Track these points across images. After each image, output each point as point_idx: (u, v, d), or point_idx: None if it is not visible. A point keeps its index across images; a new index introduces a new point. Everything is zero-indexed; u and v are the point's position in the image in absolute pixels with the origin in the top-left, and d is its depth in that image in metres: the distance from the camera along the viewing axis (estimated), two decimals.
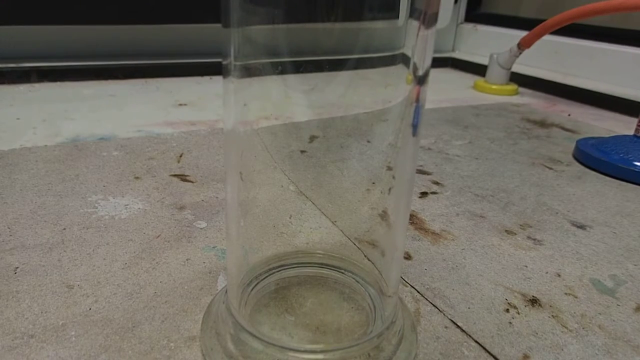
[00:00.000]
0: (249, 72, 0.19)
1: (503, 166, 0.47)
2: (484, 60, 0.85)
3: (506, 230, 0.34)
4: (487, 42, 1.00)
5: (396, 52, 0.18)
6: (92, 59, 0.75)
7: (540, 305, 0.26)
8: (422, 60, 0.18)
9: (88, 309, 0.24)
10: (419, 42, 0.17)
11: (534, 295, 0.27)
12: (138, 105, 0.61)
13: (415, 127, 0.19)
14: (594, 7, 0.61)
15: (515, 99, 0.76)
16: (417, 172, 0.44)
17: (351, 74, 0.20)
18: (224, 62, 0.18)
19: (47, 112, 0.56)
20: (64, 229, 0.31)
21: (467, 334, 0.24)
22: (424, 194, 0.40)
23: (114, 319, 0.23)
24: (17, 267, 0.27)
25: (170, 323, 0.23)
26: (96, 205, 0.34)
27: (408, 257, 0.30)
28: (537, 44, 0.74)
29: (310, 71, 0.19)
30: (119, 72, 0.74)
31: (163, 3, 0.76)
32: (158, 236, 0.31)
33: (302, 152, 0.25)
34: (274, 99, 0.21)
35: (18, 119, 0.53)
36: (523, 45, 0.74)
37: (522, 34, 0.74)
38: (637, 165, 0.44)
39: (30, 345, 0.21)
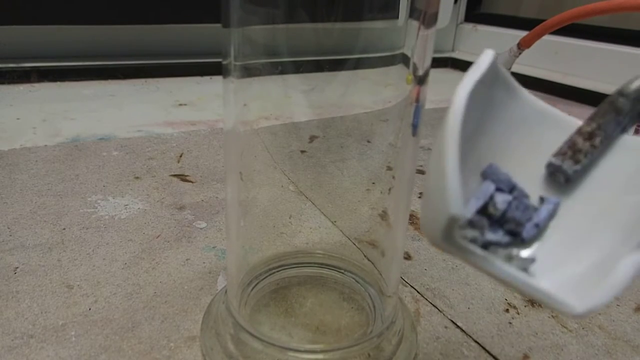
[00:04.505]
0: (249, 72, 0.19)
1: None
2: None
3: None
4: (487, 42, 1.00)
5: (396, 52, 0.18)
6: (92, 59, 0.75)
7: (540, 305, 0.26)
8: (422, 60, 0.18)
9: (88, 309, 0.24)
10: (419, 42, 0.17)
11: None
12: (138, 105, 0.61)
13: (415, 127, 0.19)
14: (594, 7, 0.61)
15: None
16: (417, 172, 0.44)
17: (351, 74, 0.20)
18: (224, 62, 0.18)
19: (47, 112, 0.56)
20: (64, 229, 0.31)
21: (467, 334, 0.24)
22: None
23: (113, 319, 0.23)
24: (17, 267, 0.27)
25: (170, 323, 0.23)
26: (96, 205, 0.34)
27: (408, 257, 0.30)
28: (537, 44, 0.73)
29: (310, 71, 0.19)
30: (119, 72, 0.74)
31: (163, 3, 0.76)
32: (158, 236, 0.31)
33: (302, 152, 0.25)
34: (274, 99, 0.21)
35: (18, 119, 0.53)
36: (523, 45, 0.74)
37: (522, 34, 0.74)
38: None
39: (30, 345, 0.21)
